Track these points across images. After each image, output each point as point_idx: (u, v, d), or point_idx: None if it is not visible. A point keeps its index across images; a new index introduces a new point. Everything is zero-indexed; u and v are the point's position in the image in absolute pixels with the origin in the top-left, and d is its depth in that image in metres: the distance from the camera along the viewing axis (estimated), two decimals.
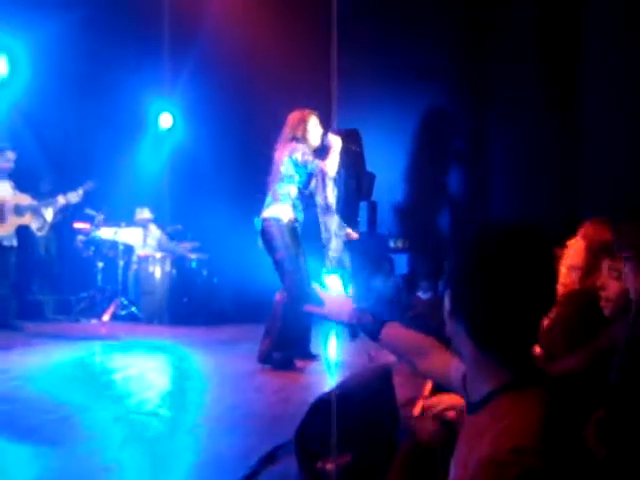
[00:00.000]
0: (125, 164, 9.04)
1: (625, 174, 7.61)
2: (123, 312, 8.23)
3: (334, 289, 7.14)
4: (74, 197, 7.14)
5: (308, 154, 5.32)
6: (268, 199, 5.40)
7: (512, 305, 1.32)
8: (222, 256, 8.86)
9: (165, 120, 9.97)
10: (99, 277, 8.46)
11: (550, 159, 8.45)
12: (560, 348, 2.55)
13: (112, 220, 8.41)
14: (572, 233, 3.00)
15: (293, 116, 5.51)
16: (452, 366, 1.66)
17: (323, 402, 2.80)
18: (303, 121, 5.46)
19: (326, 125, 5.78)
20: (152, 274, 8.37)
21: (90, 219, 8.32)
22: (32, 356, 5.68)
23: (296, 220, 5.41)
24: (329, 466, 2.61)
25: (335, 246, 5.47)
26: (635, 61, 7.48)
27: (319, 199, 5.41)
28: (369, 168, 9.97)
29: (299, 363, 5.43)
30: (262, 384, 4.87)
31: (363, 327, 2.05)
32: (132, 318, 8.19)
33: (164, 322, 8.14)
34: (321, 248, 5.56)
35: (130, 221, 8.68)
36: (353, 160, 8.93)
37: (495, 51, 9.09)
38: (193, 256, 8.72)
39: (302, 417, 2.83)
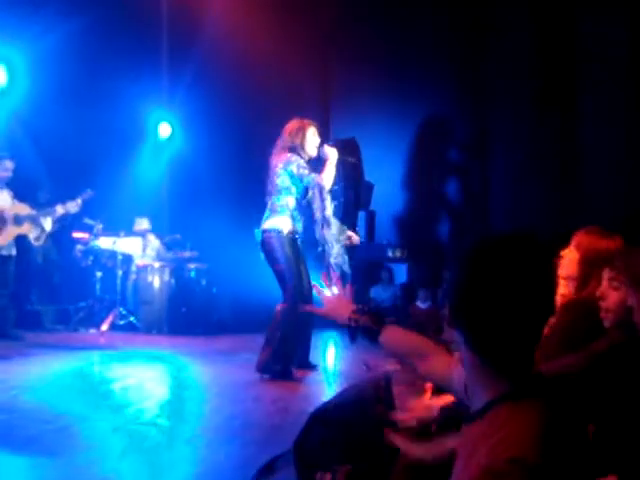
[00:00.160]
0: (124, 174, 9.05)
1: (624, 184, 7.63)
2: (122, 322, 8.23)
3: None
4: (73, 207, 7.14)
5: (303, 167, 5.32)
6: (267, 212, 5.42)
7: (511, 315, 1.33)
8: (221, 266, 8.86)
9: (164, 130, 9.99)
10: (98, 287, 8.46)
11: (549, 169, 8.48)
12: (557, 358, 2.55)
13: (111, 229, 8.41)
14: (569, 243, 3.01)
15: (292, 124, 5.52)
16: (455, 371, 1.65)
17: (322, 412, 2.79)
18: (302, 130, 5.46)
19: (324, 135, 5.81)
20: (151, 284, 8.37)
21: (89, 229, 8.32)
22: (30, 366, 5.67)
23: (296, 232, 5.42)
24: (328, 477, 2.60)
25: (336, 252, 5.47)
26: (631, 69, 7.53)
27: (316, 213, 5.42)
28: (367, 178, 10.01)
29: (298, 373, 5.42)
30: (261, 394, 4.86)
31: (362, 329, 2.04)
32: (131, 328, 8.19)
33: (163, 332, 8.14)
34: (321, 258, 5.56)
35: (129, 231, 8.69)
36: (351, 171, 8.96)
37: (493, 61, 9.13)
38: (192, 266, 8.72)
39: (301, 427, 2.82)
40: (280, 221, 5.34)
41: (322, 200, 5.38)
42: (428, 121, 9.95)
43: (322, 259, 5.49)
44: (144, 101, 9.24)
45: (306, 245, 5.62)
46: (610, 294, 2.39)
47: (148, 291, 8.35)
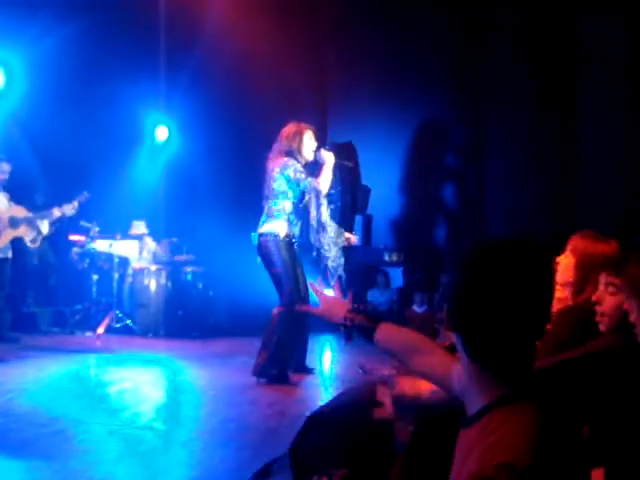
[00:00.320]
0: (121, 176, 9.05)
1: (623, 186, 7.65)
2: (118, 325, 8.21)
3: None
4: (69, 209, 7.13)
5: (300, 171, 5.32)
6: (263, 216, 5.42)
7: (508, 320, 1.33)
8: (217, 269, 8.86)
9: (161, 133, 9.99)
10: (94, 289, 8.45)
11: (547, 171, 8.50)
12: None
13: (108, 232, 8.41)
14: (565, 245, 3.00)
15: (289, 128, 5.52)
16: (454, 371, 1.65)
17: (318, 416, 2.79)
18: (299, 134, 5.47)
19: (321, 139, 5.81)
20: (147, 287, 8.36)
21: (85, 231, 8.32)
22: (26, 369, 5.66)
23: (293, 235, 5.43)
24: None
25: (334, 255, 5.48)
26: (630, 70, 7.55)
27: (312, 218, 5.42)
28: (364, 182, 10.02)
29: (294, 377, 5.42)
30: (257, 397, 4.86)
31: (358, 328, 2.04)
32: (127, 331, 8.17)
33: (159, 335, 8.13)
34: (316, 262, 5.57)
35: (125, 234, 8.68)
36: (347, 174, 8.97)
37: (493, 62, 9.15)
38: (188, 269, 8.71)
39: (297, 431, 2.82)
40: (277, 225, 5.35)
41: (318, 205, 5.39)
42: (425, 125, 9.97)
43: (317, 263, 5.50)
44: (141, 104, 9.24)
45: (302, 249, 5.62)
46: (606, 299, 2.40)
47: (144, 294, 8.34)
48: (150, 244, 8.88)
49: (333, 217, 5.73)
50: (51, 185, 8.38)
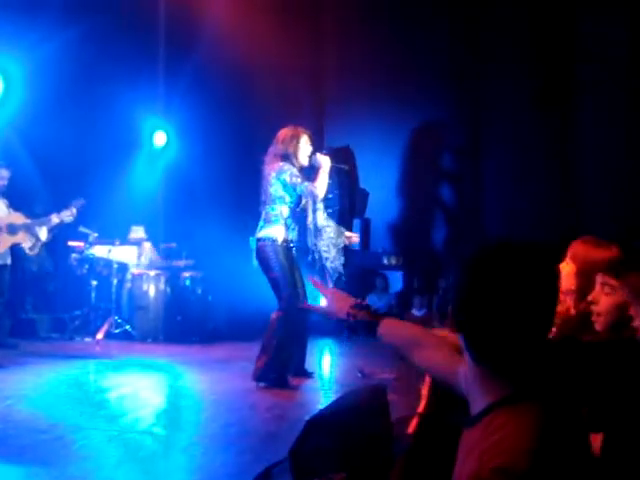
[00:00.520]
0: (119, 182, 9.04)
1: (623, 187, 7.65)
2: (117, 330, 8.20)
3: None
4: (67, 216, 7.13)
5: (296, 175, 5.32)
6: (261, 221, 5.43)
7: (512, 322, 1.33)
8: (216, 274, 8.85)
9: (159, 138, 9.99)
10: (93, 295, 8.44)
11: (546, 174, 8.51)
12: None
13: (106, 238, 8.40)
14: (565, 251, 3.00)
15: (285, 132, 5.52)
16: (460, 371, 1.63)
17: (318, 420, 2.79)
18: (295, 138, 5.47)
19: (318, 143, 5.82)
20: (146, 292, 8.36)
21: (84, 237, 8.31)
22: (25, 375, 5.65)
23: (290, 240, 5.43)
24: None
25: (333, 256, 5.48)
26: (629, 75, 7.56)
27: (309, 222, 5.43)
28: (362, 185, 10.03)
29: (294, 381, 5.43)
30: (257, 402, 4.86)
31: (361, 323, 2.05)
32: (126, 336, 8.16)
33: (158, 340, 8.12)
34: (312, 266, 5.57)
35: (124, 239, 8.68)
36: (345, 178, 8.98)
37: (490, 65, 9.17)
38: (187, 274, 8.71)
39: (297, 435, 2.82)
40: (274, 230, 5.36)
41: (314, 210, 5.40)
42: (423, 127, 9.98)
43: (314, 267, 5.50)
44: (139, 109, 9.24)
45: (301, 253, 5.63)
46: (602, 299, 2.42)
47: (143, 299, 8.34)
48: (148, 250, 8.88)
49: (332, 219, 5.73)
50: (49, 191, 8.37)
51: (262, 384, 5.26)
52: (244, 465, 3.30)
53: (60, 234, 7.86)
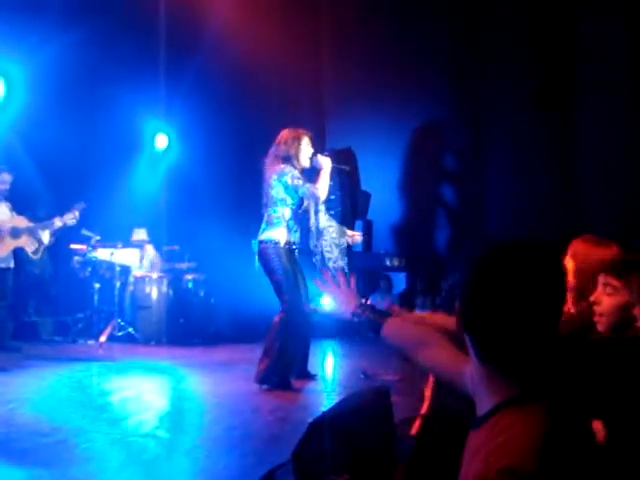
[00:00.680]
0: (121, 185, 9.05)
1: (623, 186, 7.65)
2: (120, 333, 8.20)
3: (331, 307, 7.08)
4: (70, 219, 7.13)
5: (297, 177, 5.30)
6: (263, 224, 5.42)
7: (518, 321, 1.32)
8: (219, 276, 8.86)
9: (161, 141, 10.00)
10: (96, 298, 8.44)
11: (547, 175, 8.49)
12: None
13: (109, 240, 8.41)
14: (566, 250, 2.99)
15: (285, 134, 5.50)
16: (466, 372, 1.62)
17: (321, 422, 2.79)
18: (297, 140, 5.45)
19: (320, 145, 5.81)
20: (149, 295, 8.36)
21: (86, 240, 8.31)
22: (28, 378, 5.65)
23: (293, 242, 5.43)
24: None
25: (336, 256, 5.47)
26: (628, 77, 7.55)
27: (312, 224, 5.42)
28: (364, 187, 10.02)
29: (297, 383, 5.41)
30: (260, 405, 4.85)
31: (366, 321, 2.04)
32: (129, 339, 8.16)
33: (161, 343, 8.12)
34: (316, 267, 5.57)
35: (127, 242, 8.68)
36: (347, 179, 8.97)
37: (490, 65, 9.16)
38: (190, 276, 8.71)
39: (300, 437, 2.81)
40: (276, 232, 5.35)
41: (316, 212, 5.39)
42: (424, 128, 9.98)
43: (317, 268, 5.49)
44: (141, 112, 9.25)
45: (303, 255, 5.62)
46: (604, 299, 2.41)
47: (146, 302, 8.34)
48: (151, 252, 8.89)
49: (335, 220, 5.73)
50: (52, 194, 8.38)
51: (265, 387, 5.25)
52: (247, 468, 3.29)
53: (62, 237, 7.86)
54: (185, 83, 9.16)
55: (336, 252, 5.50)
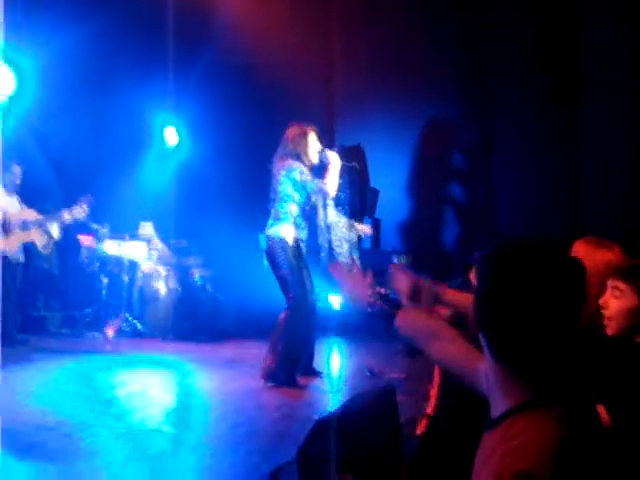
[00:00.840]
0: (130, 179, 9.06)
1: (632, 186, 7.60)
2: (127, 328, 8.21)
3: (337, 304, 7.14)
4: (79, 213, 7.14)
5: (306, 173, 5.29)
6: (270, 219, 5.41)
7: (535, 321, 1.30)
8: (226, 272, 8.86)
9: (171, 135, 10.00)
10: (104, 292, 8.46)
11: (556, 172, 8.46)
12: None
13: (117, 234, 8.42)
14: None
15: (293, 131, 5.50)
16: (480, 370, 1.59)
17: (327, 421, 2.78)
18: (304, 136, 5.45)
19: (329, 142, 5.80)
20: (157, 290, 8.37)
21: (94, 233, 8.32)
22: (35, 371, 5.66)
23: (300, 239, 5.41)
24: None
25: (345, 251, 5.47)
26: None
27: (320, 219, 5.41)
28: (372, 184, 10.00)
29: (302, 380, 5.41)
30: (265, 401, 4.85)
31: (379, 312, 2.02)
32: (136, 333, 8.17)
33: (168, 338, 8.12)
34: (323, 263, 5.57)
35: (133, 235, 8.68)
36: (355, 177, 8.96)
37: (498, 64, 9.12)
38: (197, 272, 8.71)
39: (305, 435, 2.81)
40: (284, 229, 5.34)
41: (324, 207, 5.38)
42: (433, 125, 9.95)
43: (325, 264, 5.49)
44: (151, 106, 9.26)
45: (311, 252, 5.61)
46: (612, 303, 2.41)
47: (154, 297, 8.35)
48: (158, 245, 8.89)
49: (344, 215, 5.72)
50: (61, 188, 8.40)
51: (271, 383, 5.25)
52: (252, 466, 3.29)
53: (71, 231, 7.87)
54: (195, 77, 9.17)
55: (346, 246, 5.49)
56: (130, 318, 8.28)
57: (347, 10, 9.97)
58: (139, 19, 8.61)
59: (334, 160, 5.41)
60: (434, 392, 3.65)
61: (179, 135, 9.99)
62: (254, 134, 9.04)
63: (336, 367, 6.98)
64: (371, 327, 7.46)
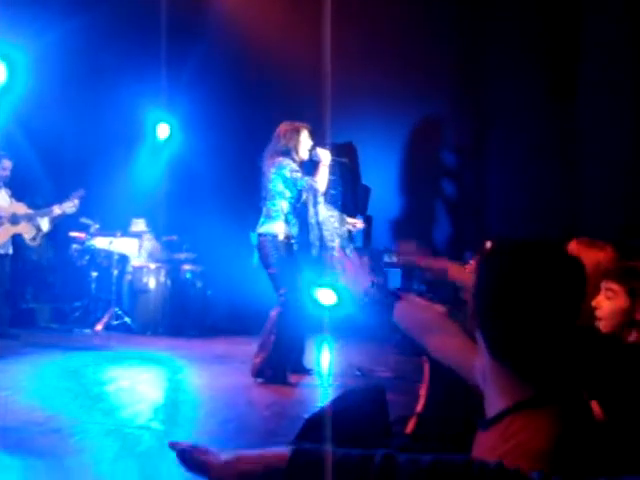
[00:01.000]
0: (122, 174, 9.04)
1: (627, 186, 7.63)
2: (116, 322, 8.20)
3: (328, 301, 7.13)
4: (70, 207, 7.12)
5: (296, 170, 5.30)
6: (262, 217, 5.41)
7: (534, 318, 1.29)
8: (217, 268, 8.85)
9: (162, 130, 9.97)
10: (93, 286, 8.44)
11: (548, 173, 8.47)
12: None
13: (108, 230, 8.39)
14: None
15: (284, 127, 5.50)
16: (477, 366, 1.58)
17: (316, 419, 2.78)
18: (296, 133, 5.45)
19: (321, 139, 5.79)
20: (146, 284, 8.35)
21: (85, 228, 8.30)
22: (24, 366, 5.64)
23: (291, 236, 5.41)
24: None
25: (338, 246, 5.47)
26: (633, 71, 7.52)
27: (310, 216, 5.42)
28: (364, 182, 10.00)
29: (292, 377, 5.42)
30: (255, 398, 4.85)
31: (377, 301, 2.02)
32: (125, 328, 8.16)
33: (157, 333, 8.11)
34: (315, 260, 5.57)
35: (125, 231, 8.66)
36: (347, 174, 8.95)
37: (492, 62, 9.13)
38: (187, 267, 8.70)
39: (295, 433, 2.81)
40: (275, 226, 5.34)
41: (315, 204, 5.38)
42: (426, 124, 9.95)
43: (315, 261, 5.50)
44: (143, 101, 9.23)
45: (302, 248, 5.61)
46: (604, 304, 2.43)
47: (143, 292, 8.33)
48: (149, 241, 8.87)
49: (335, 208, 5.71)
50: (52, 182, 8.36)
51: (261, 380, 5.26)
52: None
53: (61, 225, 7.85)
54: (187, 72, 9.15)
55: (337, 241, 5.49)
56: (120, 312, 8.26)
57: (340, 7, 9.95)
58: (131, 13, 8.58)
59: (324, 157, 5.42)
60: (423, 391, 3.66)
61: (171, 131, 9.96)
62: (246, 131, 9.02)
63: (326, 365, 6.99)
64: (362, 325, 7.47)
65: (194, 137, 9.64)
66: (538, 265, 1.32)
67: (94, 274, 8.46)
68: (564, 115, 8.44)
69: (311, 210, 5.47)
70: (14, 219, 6.95)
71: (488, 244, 3.86)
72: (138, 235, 8.78)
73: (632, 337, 2.39)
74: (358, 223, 5.94)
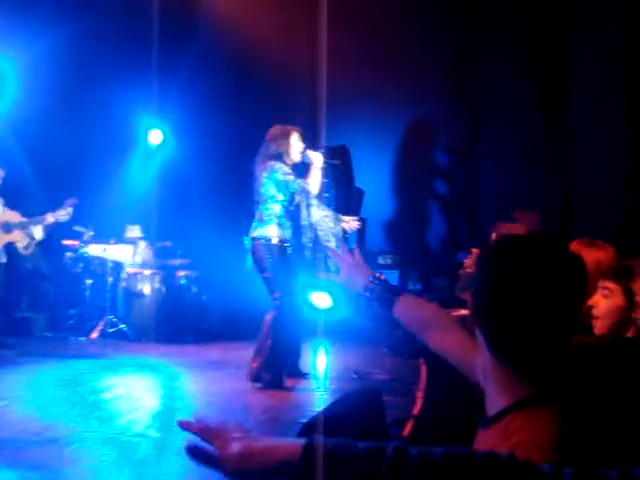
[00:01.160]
0: (115, 181, 9.01)
1: (620, 186, 7.66)
2: (112, 330, 8.16)
3: (323, 305, 7.12)
4: (63, 215, 7.11)
5: (288, 173, 5.30)
6: (255, 221, 5.41)
7: (535, 315, 1.28)
8: (211, 273, 8.83)
9: (155, 137, 9.95)
10: (88, 294, 8.40)
11: (541, 174, 8.50)
12: None
13: (101, 237, 8.37)
14: None
15: (275, 131, 5.52)
16: (477, 361, 1.56)
17: (313, 423, 2.78)
18: (286, 136, 5.46)
19: (315, 142, 5.81)
20: (141, 291, 8.31)
21: (79, 236, 8.28)
22: (19, 375, 5.63)
23: (285, 239, 5.41)
24: None
25: (333, 244, 5.47)
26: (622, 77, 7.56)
27: (303, 219, 5.42)
28: (357, 184, 10.01)
29: (289, 382, 5.41)
30: (252, 403, 4.85)
31: (378, 298, 2.00)
32: (121, 336, 8.13)
33: (153, 340, 8.08)
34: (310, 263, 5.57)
35: (120, 238, 8.64)
36: (341, 177, 8.96)
37: (488, 64, 9.15)
38: (182, 273, 8.67)
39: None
40: (268, 230, 5.34)
41: (308, 206, 5.39)
42: (420, 126, 9.96)
43: (308, 264, 5.50)
44: (135, 108, 9.21)
45: (296, 251, 5.62)
46: (601, 303, 2.43)
47: (138, 298, 8.30)
48: (143, 248, 8.84)
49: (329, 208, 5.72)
50: (44, 190, 8.34)
51: (257, 385, 5.25)
52: None
53: (55, 233, 7.83)
54: (179, 78, 9.13)
55: (333, 241, 5.49)
56: (115, 320, 8.23)
57: (333, 10, 9.96)
58: (122, 20, 8.57)
59: (316, 160, 5.43)
60: (420, 394, 3.66)
61: (164, 137, 9.94)
62: (239, 136, 9.03)
63: (322, 369, 6.99)
64: (357, 327, 7.47)
65: (187, 143, 9.62)
66: (538, 261, 1.30)
67: (88, 282, 8.42)
68: (556, 117, 8.47)
69: (304, 212, 5.48)
70: (7, 227, 6.94)
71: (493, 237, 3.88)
72: (133, 241, 8.75)
73: (629, 335, 2.40)
74: (352, 223, 5.94)
